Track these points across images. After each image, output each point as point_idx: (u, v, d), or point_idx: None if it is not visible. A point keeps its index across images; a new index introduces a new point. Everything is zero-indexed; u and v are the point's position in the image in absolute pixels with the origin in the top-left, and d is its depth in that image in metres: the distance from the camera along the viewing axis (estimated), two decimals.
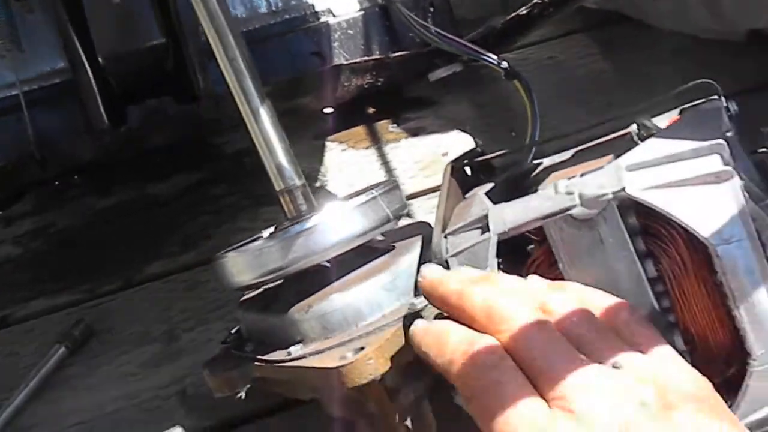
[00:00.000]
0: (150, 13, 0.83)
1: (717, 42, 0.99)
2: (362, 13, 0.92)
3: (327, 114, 0.96)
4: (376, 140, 0.94)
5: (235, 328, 0.66)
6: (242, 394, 0.59)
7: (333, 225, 0.55)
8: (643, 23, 1.03)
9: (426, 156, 0.92)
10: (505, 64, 0.87)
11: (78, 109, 0.83)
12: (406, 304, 0.55)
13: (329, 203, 0.59)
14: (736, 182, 0.47)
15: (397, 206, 0.58)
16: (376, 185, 0.59)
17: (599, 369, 0.42)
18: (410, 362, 0.55)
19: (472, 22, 0.98)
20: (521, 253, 0.54)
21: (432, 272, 0.51)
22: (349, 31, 0.91)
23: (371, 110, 0.97)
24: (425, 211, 0.85)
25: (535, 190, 0.54)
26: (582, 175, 0.50)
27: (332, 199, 0.59)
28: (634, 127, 0.58)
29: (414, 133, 0.94)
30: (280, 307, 0.58)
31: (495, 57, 0.87)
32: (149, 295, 0.83)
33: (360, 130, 0.95)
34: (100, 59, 0.81)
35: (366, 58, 0.91)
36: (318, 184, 0.90)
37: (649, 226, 0.49)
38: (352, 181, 0.90)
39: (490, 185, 0.60)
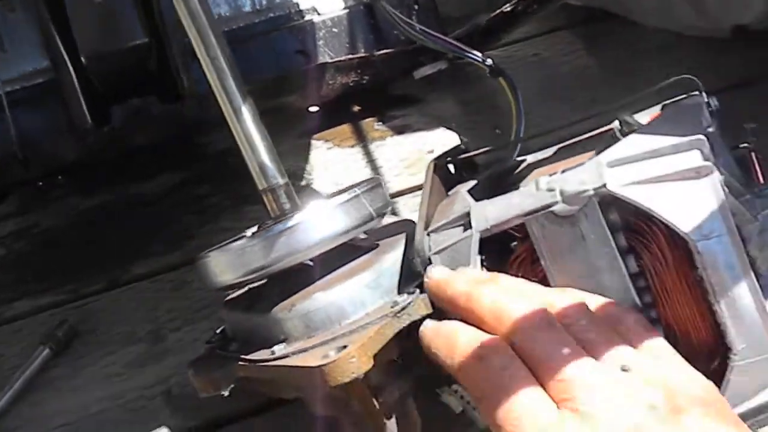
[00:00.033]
0: (133, 13, 0.83)
1: (701, 38, 0.99)
2: (347, 11, 0.92)
3: (312, 112, 0.96)
4: (361, 138, 0.94)
5: (220, 328, 0.66)
6: (226, 394, 0.59)
7: (315, 223, 0.55)
8: (627, 20, 1.03)
9: (411, 154, 0.92)
10: (489, 62, 0.87)
11: (61, 109, 0.83)
12: (389, 302, 0.55)
13: (312, 202, 0.58)
14: (716, 177, 0.47)
15: (380, 204, 0.58)
16: (359, 183, 0.59)
17: (608, 371, 0.42)
18: (393, 360, 0.55)
19: (458, 19, 0.98)
20: (505, 250, 0.54)
21: (438, 273, 0.51)
22: (334, 30, 0.91)
23: (356, 108, 0.97)
24: (411, 209, 0.85)
25: (518, 187, 0.54)
26: (563, 171, 0.50)
27: (317, 197, 0.58)
28: (616, 124, 0.58)
29: (399, 131, 0.94)
30: (264, 307, 0.57)
31: (480, 54, 0.87)
32: (134, 296, 0.82)
33: (345, 129, 0.95)
34: (82, 59, 0.81)
35: (351, 56, 0.91)
36: (303, 182, 0.90)
37: (630, 222, 0.49)
38: (337, 179, 0.90)
39: (473, 182, 0.60)
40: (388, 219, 0.68)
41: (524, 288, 0.49)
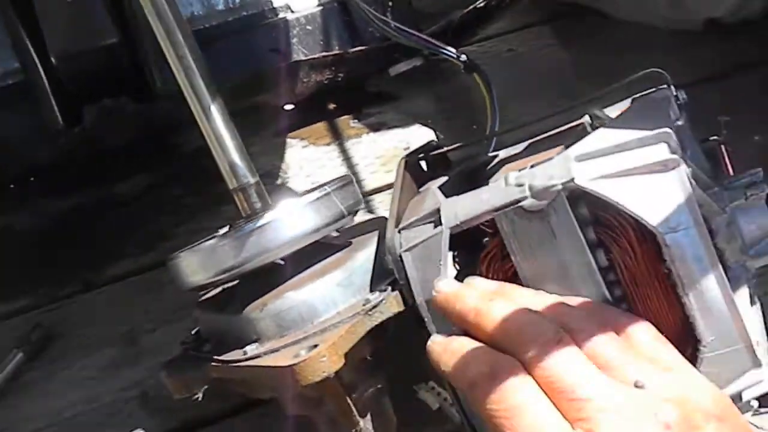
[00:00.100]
0: (103, 12, 0.82)
1: (675, 32, 1.00)
2: (321, 8, 0.91)
3: (287, 110, 0.95)
4: (337, 136, 0.94)
5: (195, 329, 0.65)
6: (200, 396, 0.59)
7: (286, 222, 0.55)
8: (600, 14, 1.04)
9: (387, 151, 0.92)
10: (464, 58, 0.87)
11: (32, 111, 0.82)
12: (361, 300, 0.55)
13: (283, 200, 0.58)
14: (683, 170, 0.47)
15: (351, 202, 0.58)
16: (330, 181, 0.59)
17: (622, 389, 0.42)
18: (365, 358, 0.55)
19: (432, 16, 0.98)
20: (478, 246, 0.54)
21: (446, 286, 0.51)
22: (308, 27, 0.91)
23: (332, 106, 0.97)
24: (387, 206, 0.84)
25: (488, 183, 0.54)
26: (532, 166, 0.50)
27: (292, 196, 0.58)
28: (586, 118, 0.58)
29: (375, 128, 0.94)
30: (236, 307, 0.57)
31: (454, 50, 0.87)
32: (109, 298, 0.82)
33: (321, 127, 0.95)
34: (52, 59, 0.80)
35: (325, 53, 0.91)
36: (279, 181, 0.90)
37: (599, 216, 0.49)
38: (313, 177, 0.90)
39: (444, 179, 0.60)
40: (363, 216, 0.68)
41: (534, 301, 0.48)
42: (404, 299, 0.53)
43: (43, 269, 0.84)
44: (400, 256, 0.53)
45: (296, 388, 0.49)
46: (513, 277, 0.52)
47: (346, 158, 0.91)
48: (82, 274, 0.83)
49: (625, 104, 0.57)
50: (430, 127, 0.93)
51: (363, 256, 0.57)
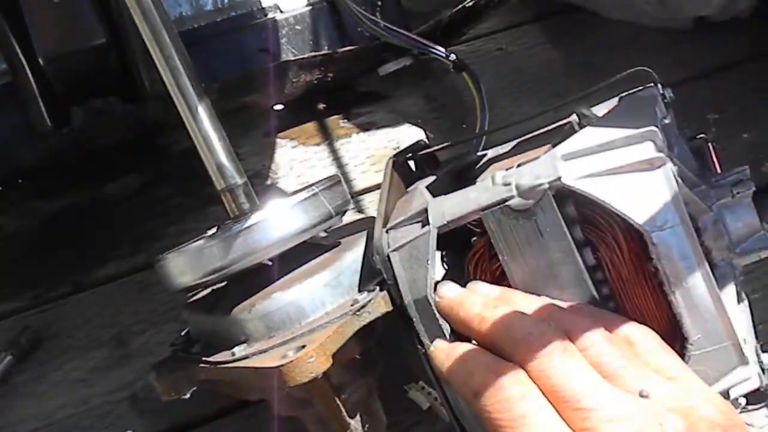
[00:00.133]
0: (91, 13, 0.81)
1: (664, 30, 1.00)
2: (310, 8, 0.91)
3: (277, 110, 0.95)
4: (327, 136, 0.94)
5: (185, 330, 0.65)
6: (188, 397, 0.59)
7: (273, 223, 0.55)
8: (590, 13, 1.04)
9: (377, 151, 0.92)
10: (453, 57, 0.87)
11: (20, 112, 0.81)
12: (350, 300, 0.54)
13: (271, 201, 0.58)
14: (669, 168, 0.47)
15: (339, 202, 0.58)
16: (318, 181, 0.58)
17: (627, 398, 0.42)
18: (354, 358, 0.55)
19: (422, 15, 0.98)
20: (467, 246, 0.54)
21: (450, 291, 0.50)
22: (297, 27, 0.91)
23: (321, 106, 0.97)
24: (377, 206, 0.84)
25: (476, 182, 0.54)
26: (519, 165, 0.50)
27: (281, 196, 0.58)
28: (574, 117, 0.58)
29: (365, 128, 0.94)
30: (224, 308, 0.57)
31: (443, 50, 0.87)
32: (99, 299, 0.81)
33: (310, 126, 0.95)
34: (40, 60, 0.80)
35: (314, 53, 0.90)
36: (269, 181, 0.90)
37: (586, 215, 0.49)
38: (303, 178, 0.90)
39: (432, 178, 0.60)
40: (352, 217, 0.68)
41: (538, 309, 0.48)
42: (392, 299, 0.53)
43: (32, 271, 0.84)
44: (388, 256, 0.52)
45: (284, 389, 0.49)
46: (501, 277, 0.52)
47: (336, 158, 0.91)
48: (71, 276, 0.83)
49: (613, 103, 0.57)
50: (420, 127, 0.93)
51: (351, 257, 0.57)
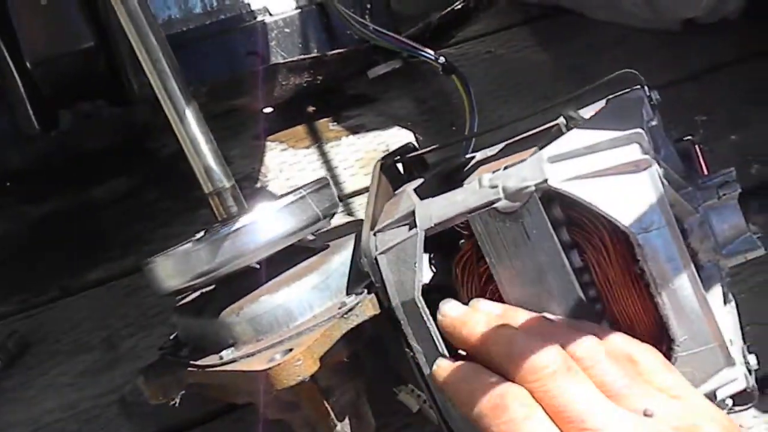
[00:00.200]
0: (79, 16, 0.81)
1: (653, 32, 1.00)
2: (299, 11, 0.91)
3: (266, 114, 0.95)
4: (316, 139, 0.93)
5: (174, 334, 0.65)
6: (177, 401, 0.59)
7: (261, 226, 0.55)
8: (579, 15, 1.04)
9: (367, 153, 0.92)
10: (442, 60, 0.87)
11: (7, 115, 0.81)
12: (338, 303, 0.54)
13: (259, 204, 0.58)
14: (655, 170, 0.47)
15: (327, 205, 0.58)
16: (306, 184, 0.58)
17: (631, 418, 0.42)
18: (342, 361, 0.54)
19: (412, 18, 0.98)
20: (455, 248, 0.54)
21: (452, 310, 0.50)
22: (286, 30, 0.91)
23: (311, 109, 0.96)
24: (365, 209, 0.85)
25: (463, 185, 0.54)
26: (506, 168, 0.50)
27: (270, 199, 0.58)
28: (562, 119, 0.58)
29: (354, 130, 0.94)
30: (212, 311, 0.57)
31: (432, 52, 0.87)
32: (87, 303, 0.81)
33: (300, 130, 0.95)
34: (27, 63, 0.80)
35: (304, 56, 0.90)
36: (258, 184, 0.89)
37: (573, 217, 0.49)
38: (292, 181, 0.90)
39: (419, 181, 0.60)
40: (341, 219, 0.68)
41: (541, 327, 0.48)
42: (380, 302, 0.53)
43: (20, 275, 0.84)
44: (376, 259, 0.52)
45: (272, 392, 0.49)
46: (488, 279, 0.52)
47: (326, 161, 0.91)
48: (59, 280, 0.83)
49: (600, 105, 0.58)
50: (410, 129, 0.93)
51: (339, 260, 0.57)
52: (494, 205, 0.49)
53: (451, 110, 0.94)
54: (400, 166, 0.65)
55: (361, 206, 0.86)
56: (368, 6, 0.93)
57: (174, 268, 0.56)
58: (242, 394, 0.58)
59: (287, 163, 0.91)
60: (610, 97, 0.57)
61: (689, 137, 0.58)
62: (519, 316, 0.49)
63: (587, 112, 0.57)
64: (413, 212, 0.52)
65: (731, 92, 0.94)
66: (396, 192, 0.61)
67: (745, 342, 0.53)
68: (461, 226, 0.52)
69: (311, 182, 0.59)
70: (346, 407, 0.57)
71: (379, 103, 0.97)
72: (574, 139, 0.50)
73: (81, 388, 0.75)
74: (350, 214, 0.86)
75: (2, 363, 0.76)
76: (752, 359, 0.52)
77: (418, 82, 0.98)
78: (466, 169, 0.63)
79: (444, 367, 0.49)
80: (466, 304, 0.51)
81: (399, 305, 0.51)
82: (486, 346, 0.47)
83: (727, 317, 0.51)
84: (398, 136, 0.93)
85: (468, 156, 0.65)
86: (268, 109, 0.96)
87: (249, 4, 0.90)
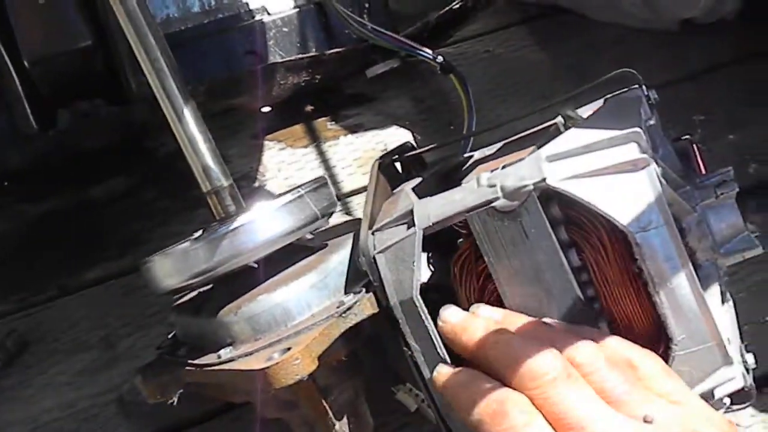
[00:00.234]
0: (77, 15, 0.81)
1: (651, 32, 1.00)
2: (297, 10, 0.91)
3: (264, 113, 0.95)
4: (314, 138, 0.93)
5: (172, 333, 0.65)
6: (175, 400, 0.59)
7: (259, 225, 0.55)
8: (578, 15, 1.04)
9: (365, 153, 0.92)
10: (440, 59, 0.87)
11: (5, 114, 0.81)
12: (336, 302, 0.54)
13: (257, 203, 0.58)
14: (653, 169, 0.47)
15: (325, 204, 0.58)
16: (305, 183, 0.58)
17: (632, 424, 0.42)
18: (341, 360, 0.54)
19: (410, 17, 0.98)
20: (453, 247, 0.54)
21: (452, 316, 0.50)
22: (284, 29, 0.91)
23: (309, 108, 0.96)
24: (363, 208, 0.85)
25: (461, 184, 0.54)
26: (504, 167, 0.50)
27: (268, 198, 0.58)
28: (560, 118, 0.58)
29: (353, 130, 0.94)
30: (210, 310, 0.57)
31: (430, 52, 0.87)
32: (85, 302, 0.81)
33: (298, 129, 0.95)
34: (25, 62, 0.80)
35: (302, 55, 0.90)
36: (256, 184, 0.89)
37: (571, 216, 0.50)
38: (291, 180, 0.90)
39: (418, 180, 0.60)
40: (339, 219, 0.68)
41: (541, 333, 0.48)
42: (378, 301, 0.53)
43: (18, 274, 0.83)
44: (374, 258, 0.52)
45: (270, 391, 0.49)
46: (486, 278, 0.52)
47: (324, 160, 0.91)
48: (57, 279, 0.83)
49: (598, 104, 0.58)
50: (408, 129, 0.93)
51: (337, 259, 0.57)
52: (492, 204, 0.49)
53: (449, 109, 0.94)
54: (398, 165, 0.66)
55: (359, 205, 0.86)
56: (366, 5, 0.93)
57: (172, 267, 0.56)
58: (240, 393, 0.58)
59: (285, 162, 0.91)
60: (608, 96, 0.58)
61: (687, 137, 0.58)
62: (519, 322, 0.49)
63: (585, 112, 0.57)
64: (411, 211, 0.52)
65: (729, 92, 0.94)
66: (394, 191, 0.61)
67: (742, 341, 0.53)
68: (459, 225, 0.52)
69: (309, 181, 0.59)
70: (344, 406, 0.57)
71: (377, 102, 0.97)
72: (573, 138, 0.50)
73: (79, 387, 0.75)
74: (348, 213, 0.86)
75: (1, 362, 0.76)
76: (750, 358, 0.52)
77: (416, 81, 0.98)
78: (465, 168, 0.63)
79: (444, 373, 0.49)
80: (465, 305, 0.51)
81: (397, 304, 0.51)
82: (486, 352, 0.47)
83: (724, 316, 0.51)
84: (396, 136, 0.93)
85: (466, 155, 0.65)
86: (267, 108, 0.96)
87: (247, 3, 0.90)
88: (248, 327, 0.54)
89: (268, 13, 0.90)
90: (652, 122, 0.54)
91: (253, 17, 0.90)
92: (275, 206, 0.55)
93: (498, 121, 0.91)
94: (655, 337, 0.49)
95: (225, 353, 0.54)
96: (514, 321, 0.49)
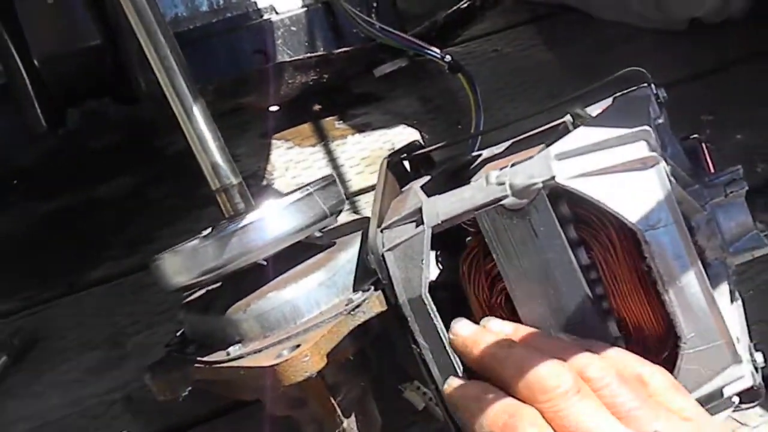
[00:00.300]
0: (86, 14, 0.82)
1: (659, 31, 1.00)
2: (305, 9, 0.92)
3: (272, 112, 0.95)
4: (322, 137, 0.94)
5: (180, 331, 0.65)
6: (184, 397, 0.59)
7: (268, 222, 0.55)
8: (586, 14, 1.04)
9: (373, 152, 0.92)
10: (448, 58, 0.87)
11: (15, 113, 0.81)
12: (344, 300, 0.54)
13: (266, 201, 0.58)
14: (662, 168, 0.47)
15: (333, 202, 0.58)
16: (313, 181, 0.58)
17: None
18: (349, 358, 0.54)
19: (418, 16, 0.98)
20: (462, 245, 0.54)
21: (463, 329, 0.50)
22: (293, 28, 0.91)
23: (317, 107, 0.97)
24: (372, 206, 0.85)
25: (470, 182, 0.54)
26: (513, 165, 0.50)
27: (276, 197, 0.58)
28: (568, 117, 0.58)
29: (360, 129, 0.94)
30: (219, 308, 0.57)
31: (438, 51, 0.87)
32: (93, 300, 0.81)
33: (306, 128, 0.95)
34: (35, 62, 0.80)
35: (310, 54, 0.91)
36: (264, 182, 0.90)
37: (580, 214, 0.49)
38: (299, 179, 0.90)
39: (426, 178, 0.60)
40: (347, 217, 0.68)
41: (552, 347, 0.48)
42: (387, 299, 0.53)
43: (26, 272, 0.84)
44: (383, 256, 0.52)
45: (279, 388, 0.49)
46: (495, 276, 0.52)
47: (332, 159, 0.91)
48: (66, 277, 0.83)
49: (607, 103, 0.57)
50: (415, 128, 0.94)
51: (346, 257, 0.57)
52: (501, 202, 0.49)
53: (457, 109, 0.94)
54: (406, 163, 0.65)
55: (366, 204, 0.86)
56: (374, 4, 0.93)
57: (181, 265, 0.56)
58: (249, 390, 0.58)
59: (293, 161, 0.92)
60: (617, 95, 0.57)
61: (695, 135, 0.58)
62: (530, 336, 0.49)
63: (594, 110, 0.57)
64: (420, 209, 0.52)
65: (736, 92, 0.94)
66: (403, 189, 0.61)
67: (751, 340, 0.53)
68: (468, 224, 0.52)
69: (318, 179, 0.59)
70: (352, 404, 0.57)
71: (385, 101, 0.97)
72: (582, 136, 0.49)
73: (87, 385, 0.75)
74: (356, 212, 0.86)
75: (10, 359, 0.76)
76: (759, 357, 0.52)
77: (424, 80, 0.98)
78: (473, 166, 0.63)
79: (455, 385, 0.49)
80: (474, 303, 0.51)
81: (406, 302, 0.51)
82: (496, 365, 0.47)
83: (733, 314, 0.50)
84: (404, 135, 0.93)
85: (474, 154, 0.65)
86: (275, 108, 0.96)
87: (255, 3, 0.90)
88: (257, 324, 0.54)
89: (277, 13, 0.90)
90: (660, 121, 0.54)
91: (262, 16, 0.90)
92: (284, 204, 0.55)
93: (506, 120, 0.91)
94: (664, 336, 0.49)
95: (234, 350, 0.54)
96: (525, 335, 0.49)
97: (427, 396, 0.68)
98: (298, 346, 0.50)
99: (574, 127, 0.56)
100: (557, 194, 0.49)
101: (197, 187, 0.86)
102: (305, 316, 0.54)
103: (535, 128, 0.61)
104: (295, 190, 0.58)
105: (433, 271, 0.52)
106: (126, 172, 0.90)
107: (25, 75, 0.79)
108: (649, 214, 0.46)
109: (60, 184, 0.89)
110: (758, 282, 0.75)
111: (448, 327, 0.51)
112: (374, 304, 0.53)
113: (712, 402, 0.49)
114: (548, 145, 0.51)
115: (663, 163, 0.47)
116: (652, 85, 0.56)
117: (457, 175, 0.62)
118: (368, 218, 0.64)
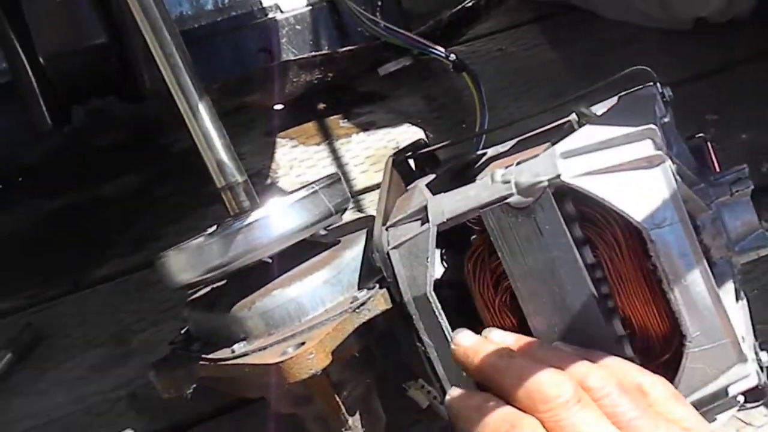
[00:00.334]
0: (91, 12, 0.82)
1: (663, 30, 1.00)
2: (310, 8, 0.92)
3: (277, 110, 0.95)
4: (327, 136, 0.94)
5: (185, 328, 0.65)
6: (188, 395, 0.59)
7: (273, 220, 0.55)
8: (590, 13, 1.04)
9: (377, 150, 0.92)
10: (453, 57, 0.87)
11: (20, 111, 0.81)
12: (349, 297, 0.55)
13: (271, 199, 0.58)
14: (668, 166, 0.47)
15: (339, 200, 0.58)
16: (318, 180, 0.59)
17: None
18: (354, 356, 0.55)
19: (423, 15, 0.98)
20: (467, 243, 0.54)
21: (465, 339, 0.50)
22: (297, 27, 0.91)
23: (321, 106, 0.97)
24: (377, 205, 0.85)
25: (475, 181, 0.54)
26: (518, 163, 0.50)
27: (281, 195, 0.58)
28: (574, 116, 0.58)
29: (365, 127, 0.94)
30: (224, 305, 0.57)
31: (443, 50, 0.88)
32: (99, 298, 0.82)
33: (311, 126, 0.95)
34: (41, 59, 0.80)
35: (315, 53, 0.91)
36: (269, 181, 0.90)
37: (585, 212, 0.49)
38: (303, 177, 0.90)
39: (431, 177, 0.60)
40: (352, 215, 0.68)
41: (553, 357, 0.48)
42: (392, 297, 0.53)
43: (32, 270, 0.84)
44: (388, 254, 0.52)
45: (283, 385, 0.49)
46: (500, 275, 0.52)
47: (336, 158, 0.91)
48: (71, 275, 0.83)
49: (612, 101, 0.57)
50: (420, 126, 0.94)
51: (351, 254, 0.57)
52: (507, 201, 0.49)
53: (461, 108, 0.94)
54: (411, 162, 0.66)
55: (371, 203, 0.86)
56: (379, 3, 0.94)
57: (186, 262, 0.56)
58: (254, 387, 0.59)
59: (298, 159, 0.92)
60: (623, 94, 0.57)
61: (701, 135, 0.58)
62: (531, 346, 0.49)
63: (599, 109, 0.57)
64: (425, 207, 0.52)
65: (742, 91, 0.93)
66: (408, 188, 0.61)
67: (756, 339, 0.53)
68: (473, 222, 0.52)
69: (323, 177, 0.59)
70: (356, 402, 0.57)
71: (389, 100, 0.97)
72: (587, 134, 0.49)
73: (92, 382, 0.75)
74: (361, 210, 0.86)
75: (15, 357, 0.76)
76: (764, 356, 0.52)
77: (428, 79, 0.98)
78: (478, 165, 0.63)
79: (456, 397, 0.49)
80: (479, 301, 0.51)
81: (411, 300, 0.51)
82: (498, 375, 0.47)
83: (739, 314, 0.50)
84: (409, 133, 0.93)
85: (479, 152, 0.65)
86: (279, 106, 0.96)
87: (260, 1, 0.90)
88: (262, 322, 0.55)
89: (281, 11, 0.91)
90: (666, 119, 0.54)
91: (266, 15, 0.90)
92: (289, 202, 0.55)
93: (511, 119, 0.91)
94: (669, 334, 0.49)
95: (239, 348, 0.54)
96: (526, 345, 0.49)
97: (432, 394, 0.68)
98: (303, 343, 0.50)
99: (580, 126, 0.56)
100: (563, 193, 0.49)
101: (202, 185, 0.86)
102: (310, 313, 0.54)
103: (541, 127, 0.61)
104: (300, 188, 0.58)
105: (438, 269, 0.52)
106: (131, 170, 0.90)
107: (30, 73, 0.80)
108: (654, 213, 0.46)
109: (65, 182, 0.89)
110: (763, 282, 0.75)
111: (453, 325, 0.51)
112: (379, 302, 0.53)
113: (717, 401, 0.49)
114: (554, 144, 0.51)
115: (669, 162, 0.47)
116: (658, 84, 0.56)
117: (462, 174, 0.62)
118: (373, 216, 0.65)
